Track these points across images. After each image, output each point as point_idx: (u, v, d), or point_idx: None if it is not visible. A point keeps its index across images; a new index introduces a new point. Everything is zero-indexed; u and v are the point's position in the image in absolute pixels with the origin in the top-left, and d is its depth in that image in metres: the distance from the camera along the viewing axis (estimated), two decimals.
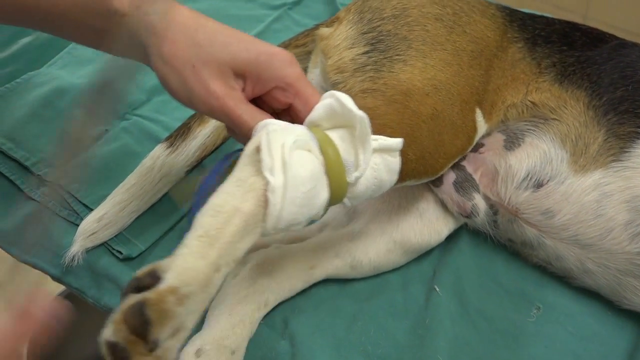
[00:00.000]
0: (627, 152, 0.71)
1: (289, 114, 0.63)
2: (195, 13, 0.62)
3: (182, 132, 0.79)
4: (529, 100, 0.76)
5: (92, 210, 0.75)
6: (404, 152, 0.61)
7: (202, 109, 0.62)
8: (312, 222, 0.58)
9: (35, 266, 0.76)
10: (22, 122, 0.85)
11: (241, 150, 0.57)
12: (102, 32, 0.65)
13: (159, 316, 0.48)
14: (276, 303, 0.70)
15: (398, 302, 0.73)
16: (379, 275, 0.75)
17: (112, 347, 0.48)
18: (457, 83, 0.72)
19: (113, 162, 0.81)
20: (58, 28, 0.70)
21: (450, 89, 0.71)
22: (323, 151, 0.56)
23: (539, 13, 0.84)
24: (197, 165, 0.80)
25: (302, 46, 0.86)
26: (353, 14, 0.79)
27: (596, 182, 0.71)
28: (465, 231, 0.79)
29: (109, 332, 0.48)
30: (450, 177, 0.75)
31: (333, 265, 0.72)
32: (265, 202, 0.53)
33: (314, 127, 0.59)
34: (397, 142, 0.59)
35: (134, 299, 0.48)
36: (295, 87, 0.62)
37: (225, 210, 0.52)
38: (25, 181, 0.80)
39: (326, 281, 0.73)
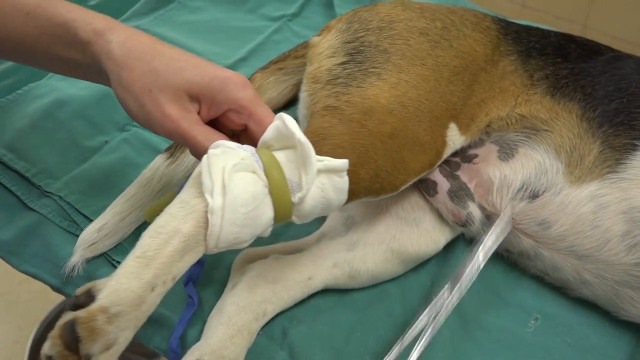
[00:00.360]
0: (623, 163, 0.71)
1: (247, 134, 0.65)
2: (153, 40, 0.64)
3: (181, 144, 0.79)
4: (517, 113, 0.76)
5: (92, 220, 0.75)
6: (355, 172, 0.63)
7: (159, 132, 0.64)
8: (259, 237, 0.60)
9: (35, 276, 0.76)
10: (22, 133, 0.85)
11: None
12: (70, 60, 0.67)
13: (89, 333, 0.51)
14: (275, 313, 0.70)
15: (397, 313, 0.73)
16: (377, 285, 0.75)
17: (48, 358, 0.51)
18: (430, 100, 0.72)
19: (113, 173, 0.81)
20: (29, 58, 0.72)
21: (420, 106, 0.71)
22: (267, 173, 0.58)
23: (535, 25, 0.84)
24: None
25: (302, 57, 0.87)
26: (342, 23, 0.80)
27: (592, 194, 0.71)
28: (463, 241, 0.79)
29: (47, 347, 0.51)
30: (445, 186, 0.75)
31: (331, 275, 0.72)
32: (206, 223, 0.55)
33: (264, 148, 0.61)
34: (342, 163, 0.60)
35: (68, 316, 0.52)
36: (249, 109, 0.64)
37: (166, 231, 0.55)
38: (26, 192, 0.80)
39: (325, 291, 0.73)
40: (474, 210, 0.75)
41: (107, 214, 0.75)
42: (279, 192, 0.58)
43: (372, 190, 0.68)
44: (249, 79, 0.83)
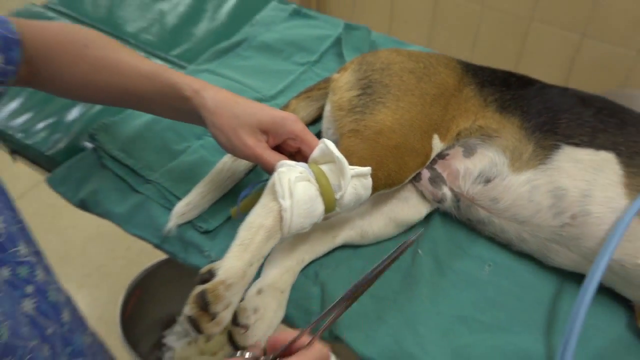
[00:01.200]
0: (549, 158, 0.72)
1: (300, 154, 0.69)
2: (231, 94, 0.69)
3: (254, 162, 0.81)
4: (477, 125, 0.77)
5: (181, 199, 0.77)
6: (375, 174, 0.66)
7: (241, 156, 0.69)
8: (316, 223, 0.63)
9: (141, 238, 0.78)
10: (130, 140, 0.87)
11: (264, 180, 0.65)
12: (176, 109, 0.72)
13: (215, 298, 0.55)
14: (309, 261, 0.73)
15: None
16: (379, 243, 0.76)
17: (190, 318, 0.56)
18: (419, 119, 0.73)
19: (194, 167, 0.83)
20: (146, 108, 0.77)
21: (413, 124, 0.72)
22: (318, 180, 0.61)
23: (485, 66, 0.86)
24: (251, 170, 0.82)
25: (324, 89, 0.88)
26: (355, 65, 0.82)
27: (528, 179, 0.72)
28: (438, 213, 0.80)
29: (187, 309, 0.56)
30: (426, 175, 0.77)
31: (349, 235, 0.74)
32: (280, 218, 0.59)
33: (313, 163, 0.64)
34: (367, 169, 0.64)
35: (199, 288, 0.56)
36: (301, 137, 0.68)
37: (255, 225, 0.59)
38: (134, 180, 0.82)
39: (343, 246, 0.75)
40: (446, 192, 0.76)
41: (192, 194, 0.77)
42: (327, 193, 0.61)
43: (386, 185, 0.70)
44: (286, 104, 0.87)
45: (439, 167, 0.77)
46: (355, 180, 0.63)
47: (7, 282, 0.53)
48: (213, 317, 0.56)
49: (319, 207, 0.61)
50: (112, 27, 1.16)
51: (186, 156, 0.85)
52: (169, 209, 0.77)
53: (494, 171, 0.74)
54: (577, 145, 0.72)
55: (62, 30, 0.73)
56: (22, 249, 0.56)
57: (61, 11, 1.20)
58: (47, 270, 0.61)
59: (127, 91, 0.72)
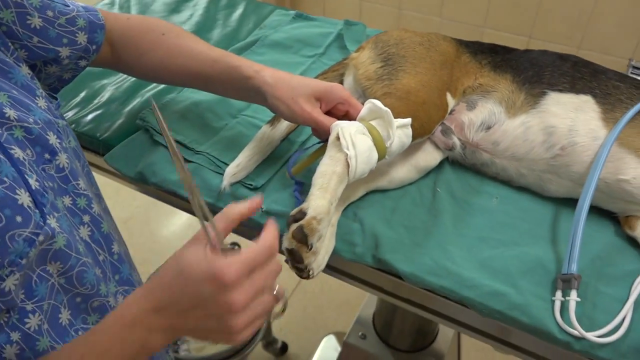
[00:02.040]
0: (538, 103, 0.79)
1: (347, 117, 0.75)
2: (284, 72, 0.75)
3: (276, 118, 0.88)
4: (477, 83, 0.85)
5: (228, 165, 0.82)
6: (412, 125, 0.73)
7: (300, 121, 0.74)
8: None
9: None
10: (177, 119, 0.93)
11: (309, 147, 0.74)
12: (239, 88, 0.79)
13: (310, 231, 0.61)
14: (350, 202, 0.79)
15: (417, 199, 0.81)
16: (403, 187, 0.83)
17: (289, 250, 0.62)
18: (435, 80, 0.81)
19: (235, 140, 0.89)
20: (212, 88, 0.83)
21: (431, 84, 0.80)
22: (371, 133, 0.68)
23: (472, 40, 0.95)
24: (286, 137, 0.88)
25: (336, 71, 0.96)
26: (371, 44, 0.91)
27: (522, 122, 0.79)
28: (447, 162, 0.87)
29: (286, 243, 0.62)
30: (438, 128, 0.84)
31: (379, 181, 0.80)
32: (347, 165, 0.66)
33: (363, 120, 0.70)
34: (408, 120, 0.71)
35: (295, 225, 0.62)
36: (349, 101, 0.75)
37: (328, 173, 0.65)
38: (185, 152, 0.87)
39: (375, 191, 0.81)
40: (455, 141, 0.83)
41: (239, 157, 0.83)
42: (379, 143, 0.68)
43: (420, 133, 0.77)
44: None
45: (447, 121, 0.85)
46: (399, 131, 0.70)
47: (67, 209, 0.58)
48: (310, 247, 0.62)
49: (375, 155, 0.68)
50: None
51: (225, 131, 0.92)
52: (220, 173, 0.83)
53: (493, 119, 0.82)
54: (560, 91, 0.81)
55: (142, 21, 0.83)
56: (82, 183, 0.61)
57: None
58: (105, 209, 0.68)
59: (198, 74, 0.79)
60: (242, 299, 0.47)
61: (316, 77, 0.97)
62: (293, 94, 0.73)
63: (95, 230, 0.62)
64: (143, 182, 0.88)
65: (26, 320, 0.49)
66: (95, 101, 1.03)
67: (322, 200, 0.64)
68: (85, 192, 0.61)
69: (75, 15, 0.71)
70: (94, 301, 0.58)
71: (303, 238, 0.61)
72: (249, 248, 0.50)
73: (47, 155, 0.56)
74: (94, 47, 0.75)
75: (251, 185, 0.82)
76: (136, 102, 1.02)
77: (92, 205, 0.62)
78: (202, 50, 0.79)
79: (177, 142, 0.89)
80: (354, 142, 0.65)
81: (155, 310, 0.48)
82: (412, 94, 0.78)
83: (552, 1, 1.92)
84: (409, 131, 0.72)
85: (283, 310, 0.58)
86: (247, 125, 0.93)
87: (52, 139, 0.56)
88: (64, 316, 0.54)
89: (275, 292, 0.54)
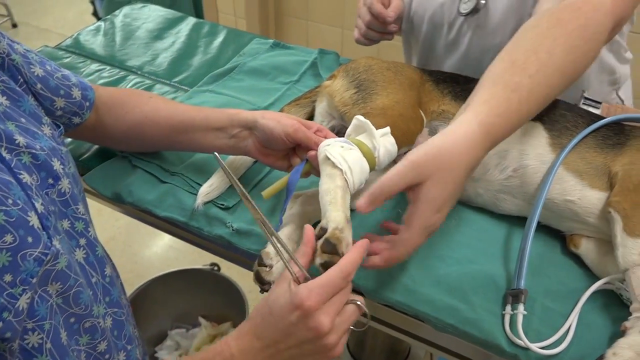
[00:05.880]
0: None
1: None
2: (267, 112, 0.81)
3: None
4: (441, 109, 0.89)
5: (202, 185, 0.86)
6: (394, 134, 0.75)
7: (289, 130, 0.78)
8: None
9: (171, 219, 0.86)
10: None
11: (304, 161, 0.76)
12: (223, 128, 0.83)
13: (337, 241, 0.62)
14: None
15: (380, 219, 0.82)
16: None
17: (323, 264, 0.61)
18: (407, 97, 0.86)
19: (209, 163, 0.93)
20: (193, 136, 0.85)
21: (404, 101, 0.85)
22: (359, 147, 0.71)
23: (434, 70, 0.99)
24: (255, 161, 0.92)
25: (308, 98, 1.01)
26: (342, 72, 0.94)
27: None
28: None
29: (318, 260, 0.62)
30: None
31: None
32: (345, 179, 0.68)
33: (348, 137, 0.74)
34: (386, 128, 0.74)
35: (320, 241, 0.63)
36: (325, 130, 0.80)
37: (332, 188, 0.67)
38: (161, 174, 0.91)
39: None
40: None
41: (212, 178, 0.87)
42: (368, 153, 0.70)
43: (405, 142, 0.82)
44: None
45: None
46: (383, 139, 0.73)
47: (65, 232, 0.61)
48: (342, 255, 0.62)
49: (366, 166, 0.70)
50: (118, 62, 1.29)
51: (199, 154, 0.95)
52: (194, 193, 0.87)
53: None
54: None
55: (130, 89, 0.87)
56: (81, 208, 0.65)
57: (73, 51, 1.31)
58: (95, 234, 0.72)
59: (181, 122, 0.84)
60: (327, 320, 0.55)
61: (289, 104, 1.02)
62: (280, 115, 0.80)
63: (90, 253, 0.64)
64: (120, 202, 0.92)
65: (25, 337, 0.50)
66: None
67: (336, 212, 0.65)
68: (83, 217, 0.64)
69: (68, 74, 0.78)
70: (86, 321, 0.60)
71: (333, 249, 0.62)
72: (326, 272, 0.58)
73: (50, 180, 0.59)
74: (88, 103, 0.80)
75: (223, 205, 0.86)
76: None
77: (89, 229, 0.65)
78: (189, 106, 0.85)
79: (154, 164, 0.93)
80: (344, 157, 0.68)
81: (261, 349, 0.57)
82: (388, 109, 0.83)
83: None
84: (392, 139, 0.74)
85: (366, 317, 0.64)
86: None
87: (57, 164, 0.60)
88: (63, 336, 0.55)
89: (359, 303, 0.62)
